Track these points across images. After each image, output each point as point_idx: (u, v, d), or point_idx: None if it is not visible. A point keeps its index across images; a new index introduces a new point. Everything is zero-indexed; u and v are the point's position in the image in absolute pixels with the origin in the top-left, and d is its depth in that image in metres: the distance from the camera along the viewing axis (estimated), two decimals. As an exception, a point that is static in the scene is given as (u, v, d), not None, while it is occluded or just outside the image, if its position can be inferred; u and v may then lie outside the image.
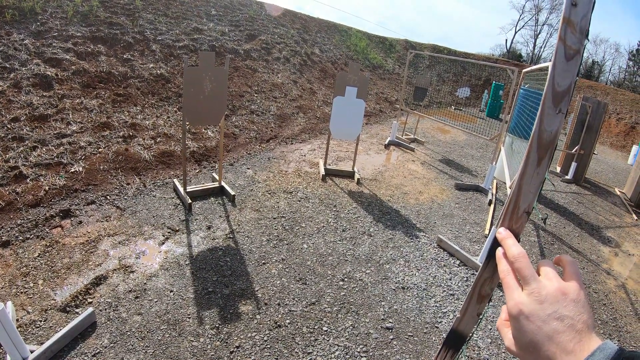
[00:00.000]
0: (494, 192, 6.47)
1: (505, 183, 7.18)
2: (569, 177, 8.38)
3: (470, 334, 0.90)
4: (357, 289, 3.49)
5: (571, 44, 0.54)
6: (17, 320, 2.58)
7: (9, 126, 4.69)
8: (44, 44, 6.20)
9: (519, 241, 0.64)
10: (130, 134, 5.66)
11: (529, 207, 0.63)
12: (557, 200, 6.94)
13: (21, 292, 2.83)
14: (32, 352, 2.25)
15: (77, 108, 5.58)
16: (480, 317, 0.83)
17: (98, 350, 2.46)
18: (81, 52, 6.51)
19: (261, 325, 2.89)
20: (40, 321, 2.61)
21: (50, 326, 2.57)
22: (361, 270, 3.78)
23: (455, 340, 0.86)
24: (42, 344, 2.35)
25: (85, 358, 2.39)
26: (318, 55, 13.56)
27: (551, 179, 8.14)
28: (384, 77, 16.86)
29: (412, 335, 3.05)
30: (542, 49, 44.96)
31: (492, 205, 5.84)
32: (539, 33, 44.14)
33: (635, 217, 6.92)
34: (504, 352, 3.02)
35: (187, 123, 4.27)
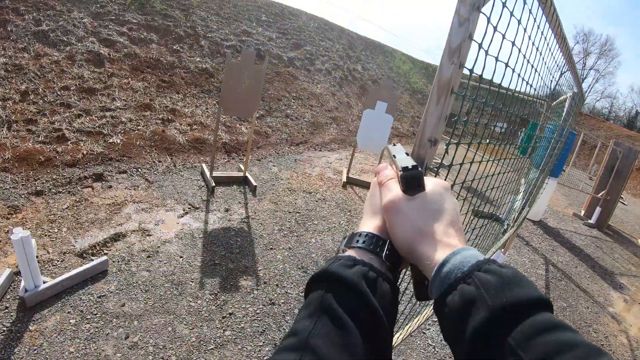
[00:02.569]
0: (511, 224, 6.34)
1: (531, 220, 7.05)
2: (592, 221, 8.07)
3: None
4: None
5: (463, 14, 0.70)
6: (37, 257, 2.78)
7: (58, 93, 5.07)
8: (100, 25, 6.67)
9: (425, 167, 0.77)
10: (169, 118, 5.97)
11: (431, 136, 0.79)
12: (575, 241, 6.70)
13: (45, 235, 3.06)
14: (44, 282, 2.44)
15: (124, 87, 5.94)
16: None
17: (104, 294, 2.62)
18: (134, 37, 6.95)
19: (257, 300, 2.99)
20: (58, 261, 2.81)
21: (66, 267, 2.77)
22: (366, 271, 3.82)
23: None
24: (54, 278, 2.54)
25: (91, 297, 2.55)
26: (360, 72, 13.79)
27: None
28: (423, 102, 16.90)
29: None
30: (587, 93, 42.99)
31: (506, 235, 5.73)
32: (585, 77, 41.83)
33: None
34: None
35: (222, 112, 4.50)
